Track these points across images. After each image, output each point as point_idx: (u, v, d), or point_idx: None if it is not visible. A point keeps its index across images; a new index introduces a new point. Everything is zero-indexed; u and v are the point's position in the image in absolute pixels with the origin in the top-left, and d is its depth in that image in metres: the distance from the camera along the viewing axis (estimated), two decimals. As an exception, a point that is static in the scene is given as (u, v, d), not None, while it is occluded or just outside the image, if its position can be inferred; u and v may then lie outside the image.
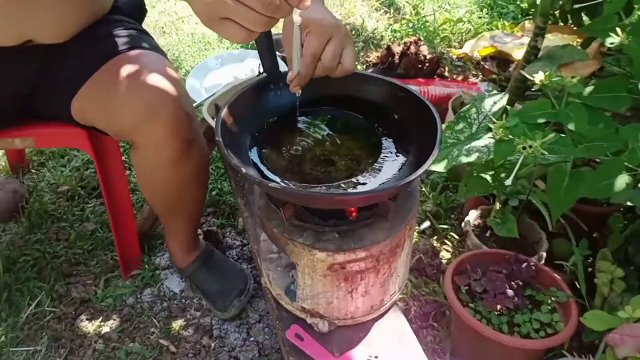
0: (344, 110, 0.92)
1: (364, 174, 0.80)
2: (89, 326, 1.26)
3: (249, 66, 1.65)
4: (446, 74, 2.27)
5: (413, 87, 0.86)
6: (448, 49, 2.50)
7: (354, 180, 0.78)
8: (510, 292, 1.16)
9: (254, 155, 0.82)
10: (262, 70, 0.89)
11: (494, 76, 2.18)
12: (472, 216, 1.44)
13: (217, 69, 1.60)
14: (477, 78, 2.30)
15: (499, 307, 1.14)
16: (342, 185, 0.78)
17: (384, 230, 0.80)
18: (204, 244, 1.34)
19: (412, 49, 2.10)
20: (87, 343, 1.22)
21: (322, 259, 0.79)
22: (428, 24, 2.58)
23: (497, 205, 1.35)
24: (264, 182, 0.69)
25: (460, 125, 1.25)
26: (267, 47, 0.87)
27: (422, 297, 1.36)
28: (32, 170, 1.66)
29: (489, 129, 1.19)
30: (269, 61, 0.87)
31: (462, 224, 1.43)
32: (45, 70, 1.07)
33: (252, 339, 1.25)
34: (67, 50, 1.07)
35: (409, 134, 0.84)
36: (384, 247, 0.80)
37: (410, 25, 2.58)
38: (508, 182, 0.98)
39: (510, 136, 1.03)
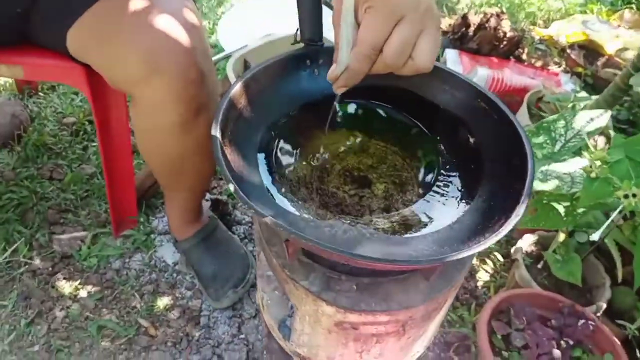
0: (399, 111, 0.69)
1: (408, 210, 0.58)
2: (65, 287, 1.11)
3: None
4: (524, 56, 1.97)
5: (498, 100, 0.61)
6: (531, 27, 2.17)
7: (392, 219, 0.56)
8: (557, 352, 0.95)
9: (261, 156, 0.60)
10: (299, 37, 0.65)
11: (579, 69, 1.87)
12: (526, 242, 1.20)
13: (262, 12, 1.36)
14: (559, 67, 1.99)
15: (539, 367, 0.93)
16: (375, 222, 0.56)
17: (421, 292, 0.58)
18: (207, 216, 1.15)
19: (492, 22, 1.80)
20: (58, 307, 1.07)
21: (329, 313, 0.58)
22: (514, -7, 2.24)
23: (561, 237, 1.11)
24: (258, 211, 0.47)
25: (541, 139, 0.99)
26: (310, 6, 0.63)
27: (446, 322, 1.16)
28: (40, 94, 1.49)
29: (578, 152, 0.94)
30: (311, 27, 0.63)
31: (512, 249, 1.20)
32: None
33: (242, 336, 1.08)
34: None
35: (482, 164, 0.60)
36: (415, 313, 0.59)
37: (494, -9, 2.24)
38: (595, 237, 0.74)
39: (609, 175, 0.78)
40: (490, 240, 0.47)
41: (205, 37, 0.85)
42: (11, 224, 1.18)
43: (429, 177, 0.62)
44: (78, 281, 1.12)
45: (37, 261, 1.14)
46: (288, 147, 0.63)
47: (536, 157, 0.98)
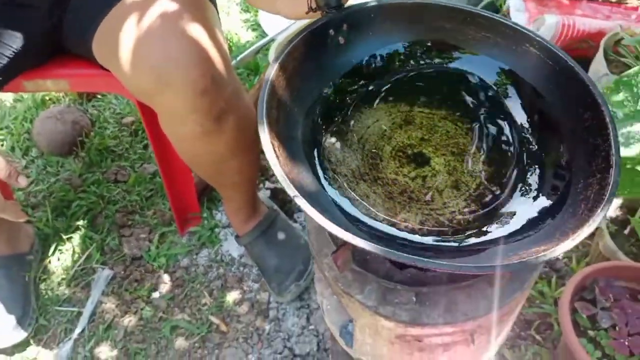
0: (452, 70, 0.62)
1: (478, 184, 0.52)
2: (137, 290, 1.14)
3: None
4: (597, -8, 1.77)
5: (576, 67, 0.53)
6: (603, -44, 1.94)
7: (459, 210, 0.51)
8: (651, 332, 0.86)
9: (309, 154, 0.55)
10: (314, 4, 0.57)
11: (663, -1, 1.66)
12: (610, 208, 1.09)
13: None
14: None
15: (629, 349, 0.85)
16: (450, 207, 0.51)
17: (488, 299, 0.53)
18: (265, 209, 1.14)
19: (556, -41, 1.62)
20: (133, 309, 1.11)
21: (389, 327, 0.54)
22: None
23: (650, 200, 1.00)
24: (323, 220, 0.43)
25: (621, 96, 0.88)
26: None
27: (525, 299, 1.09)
28: (99, 96, 1.52)
29: (665, 109, 0.82)
30: None
31: (595, 217, 1.10)
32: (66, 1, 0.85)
33: (312, 327, 1.07)
34: None
35: (561, 143, 0.53)
36: (483, 321, 0.54)
37: None
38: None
39: None
40: (564, 246, 0.41)
41: (220, 40, 0.80)
42: (82, 230, 1.22)
43: (489, 137, 0.55)
44: (150, 282, 1.15)
45: (109, 264, 1.18)
46: (331, 136, 0.58)
47: (616, 117, 0.87)
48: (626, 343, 0.85)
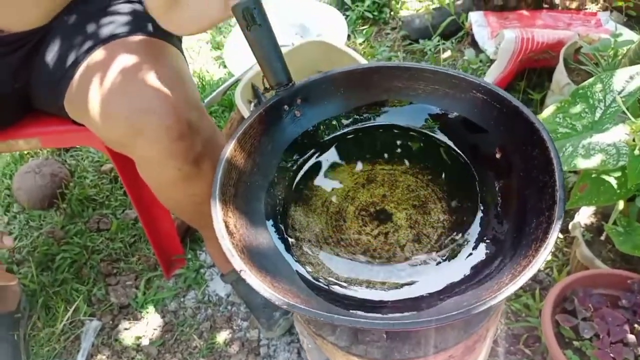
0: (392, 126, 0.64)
1: (439, 234, 0.54)
2: (127, 338, 1.14)
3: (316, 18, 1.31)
4: (557, 0, 1.82)
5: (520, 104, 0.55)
6: (560, -35, 2.00)
7: (426, 250, 0.53)
8: (631, 338, 0.88)
9: (270, 223, 0.58)
10: (267, 84, 0.60)
11: (619, 3, 1.71)
12: (584, 215, 1.12)
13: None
14: (597, 5, 1.83)
15: (612, 356, 0.87)
16: (412, 259, 0.52)
17: (457, 330, 0.54)
18: (249, 246, 1.15)
19: (514, -27, 1.68)
20: (124, 359, 1.11)
21: (363, 365, 0.55)
22: None
23: (620, 205, 1.02)
24: (277, 298, 0.45)
25: (578, 108, 0.91)
26: (267, 51, 0.58)
27: (511, 313, 1.10)
28: (76, 146, 1.53)
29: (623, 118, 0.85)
30: (275, 71, 0.58)
31: (570, 225, 1.12)
32: (32, 60, 0.87)
33: (303, 360, 1.08)
34: (53, 33, 0.86)
35: (517, 185, 0.55)
36: (455, 351, 0.55)
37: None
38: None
39: (658, 147, 0.70)
40: (501, 296, 0.42)
41: (191, 84, 0.82)
42: (68, 283, 1.23)
43: (449, 188, 0.57)
44: (139, 329, 1.16)
45: (97, 315, 1.18)
46: (295, 204, 0.60)
47: (575, 130, 0.90)
48: (609, 352, 0.86)
